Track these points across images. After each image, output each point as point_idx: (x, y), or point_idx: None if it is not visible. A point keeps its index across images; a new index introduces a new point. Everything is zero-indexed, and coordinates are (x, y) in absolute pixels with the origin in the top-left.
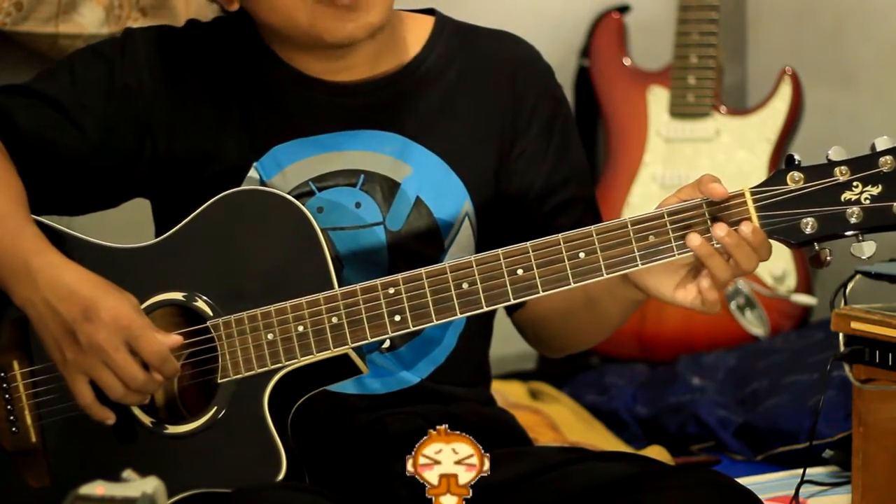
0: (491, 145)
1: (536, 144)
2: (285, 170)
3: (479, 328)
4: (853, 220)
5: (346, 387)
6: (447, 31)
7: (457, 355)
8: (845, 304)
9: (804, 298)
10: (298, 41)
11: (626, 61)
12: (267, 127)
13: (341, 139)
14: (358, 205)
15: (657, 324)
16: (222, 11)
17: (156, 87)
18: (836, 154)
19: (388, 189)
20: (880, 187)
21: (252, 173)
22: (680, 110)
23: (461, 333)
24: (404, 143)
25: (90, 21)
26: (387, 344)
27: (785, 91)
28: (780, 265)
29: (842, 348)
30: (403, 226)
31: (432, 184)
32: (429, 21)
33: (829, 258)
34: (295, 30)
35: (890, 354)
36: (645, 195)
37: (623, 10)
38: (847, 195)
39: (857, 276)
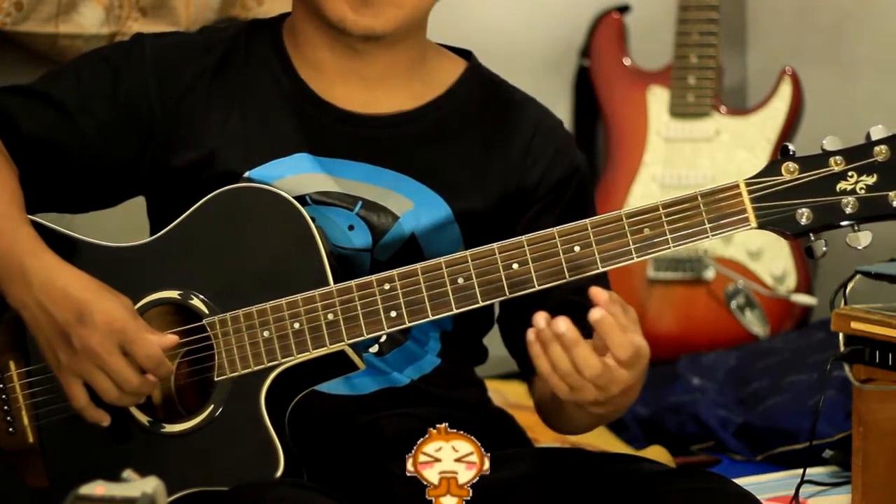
0: (494, 198)
1: (543, 204)
2: (284, 179)
3: (464, 350)
4: (849, 210)
5: (339, 388)
6: (476, 80)
7: (441, 370)
8: (845, 304)
9: (804, 298)
10: (321, 24)
11: (626, 61)
12: (268, 141)
13: (342, 167)
14: (351, 227)
15: (657, 324)
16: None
17: (160, 94)
18: (830, 144)
19: (385, 220)
20: (875, 177)
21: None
22: (680, 110)
23: (441, 352)
24: (408, 182)
25: (90, 21)
26: (375, 349)
27: (785, 91)
28: (780, 265)
29: (842, 348)
30: (390, 259)
31: (430, 224)
32: (460, 65)
33: (824, 249)
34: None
35: (890, 354)
36: (645, 195)
37: (623, 10)
38: (842, 185)
39: (857, 276)
